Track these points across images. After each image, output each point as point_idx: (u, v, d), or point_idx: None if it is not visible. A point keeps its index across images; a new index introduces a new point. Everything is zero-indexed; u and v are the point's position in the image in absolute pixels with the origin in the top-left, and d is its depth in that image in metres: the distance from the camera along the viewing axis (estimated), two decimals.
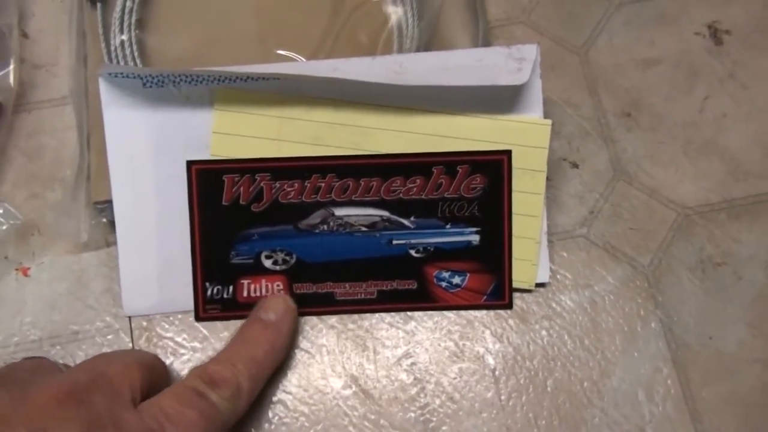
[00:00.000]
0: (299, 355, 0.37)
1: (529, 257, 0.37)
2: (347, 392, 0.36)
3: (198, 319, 0.36)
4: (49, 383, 0.28)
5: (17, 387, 0.28)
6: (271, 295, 0.36)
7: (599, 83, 0.41)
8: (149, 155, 0.36)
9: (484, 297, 0.37)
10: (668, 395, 0.36)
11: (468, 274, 0.37)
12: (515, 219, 0.37)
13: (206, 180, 0.36)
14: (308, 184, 0.36)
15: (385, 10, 0.41)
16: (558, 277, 0.38)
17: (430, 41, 0.41)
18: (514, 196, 0.37)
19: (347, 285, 0.37)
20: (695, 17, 0.43)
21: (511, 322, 0.37)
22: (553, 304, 0.38)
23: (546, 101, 0.39)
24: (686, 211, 0.39)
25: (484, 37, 0.41)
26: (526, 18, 0.43)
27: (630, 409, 0.36)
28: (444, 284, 0.37)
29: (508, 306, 0.37)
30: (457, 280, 0.37)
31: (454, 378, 0.37)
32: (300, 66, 0.37)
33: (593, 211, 0.39)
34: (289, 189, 0.36)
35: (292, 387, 0.36)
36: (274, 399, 0.36)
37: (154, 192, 0.36)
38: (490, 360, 0.37)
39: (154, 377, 0.32)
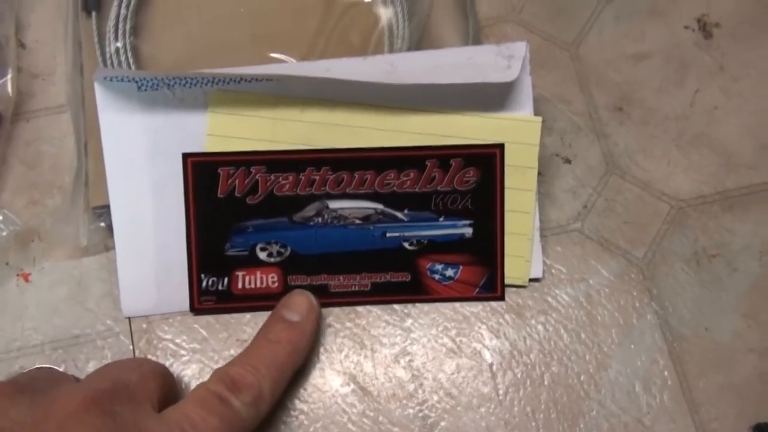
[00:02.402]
0: None
1: (522, 253, 0.37)
2: (346, 390, 0.37)
3: (193, 310, 0.37)
4: (73, 391, 0.29)
5: (41, 395, 0.29)
6: (296, 293, 0.36)
7: (590, 79, 0.42)
8: (145, 158, 0.36)
9: (477, 289, 0.37)
10: (665, 386, 0.37)
11: (461, 267, 0.37)
12: (507, 215, 0.37)
13: (201, 172, 0.36)
14: (303, 177, 0.36)
15: (376, 11, 0.41)
16: (553, 271, 0.38)
17: (420, 41, 0.41)
18: (506, 192, 0.37)
19: (341, 277, 0.37)
20: (684, 11, 0.43)
21: (507, 317, 0.38)
22: (549, 299, 0.38)
23: (537, 98, 0.40)
24: (679, 203, 0.39)
25: (474, 36, 0.41)
26: (516, 16, 0.43)
27: (627, 401, 0.36)
28: (437, 276, 0.37)
29: (501, 298, 0.37)
30: (450, 272, 0.37)
31: (452, 374, 0.37)
32: (293, 67, 0.38)
33: (587, 206, 0.40)
34: (284, 182, 0.36)
35: (290, 386, 0.36)
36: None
37: (151, 194, 0.37)
38: (487, 355, 0.37)
39: (167, 386, 0.33)
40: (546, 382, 0.37)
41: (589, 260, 0.39)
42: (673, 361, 0.37)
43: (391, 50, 0.40)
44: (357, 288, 0.37)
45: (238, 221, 0.37)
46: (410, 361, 0.37)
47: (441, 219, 0.37)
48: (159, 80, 0.36)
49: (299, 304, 0.35)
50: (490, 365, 0.37)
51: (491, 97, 0.37)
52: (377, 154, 0.37)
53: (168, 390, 0.32)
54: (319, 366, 0.37)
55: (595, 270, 0.38)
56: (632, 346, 0.37)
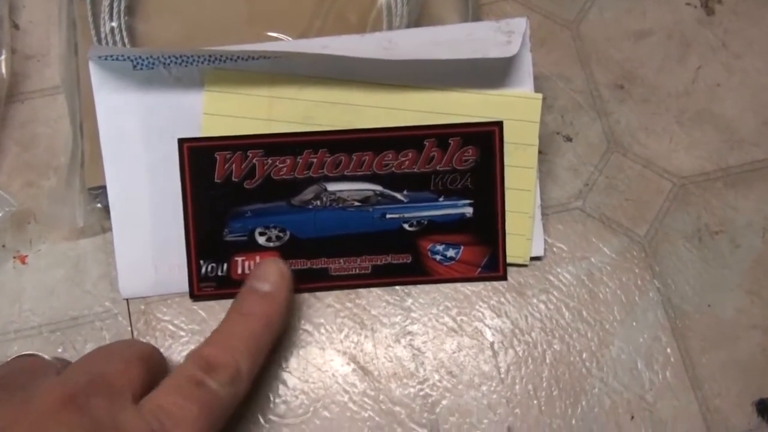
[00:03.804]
0: (298, 334, 0.37)
1: (523, 232, 0.37)
2: (346, 369, 0.36)
3: (192, 296, 0.36)
4: (49, 387, 0.28)
5: (19, 390, 0.28)
6: (265, 262, 0.35)
7: (591, 56, 0.41)
8: (141, 138, 0.36)
9: (479, 269, 0.37)
10: (668, 363, 0.36)
11: (462, 247, 0.37)
12: (508, 193, 0.37)
13: (198, 157, 0.36)
14: (300, 160, 0.36)
15: None
16: (554, 250, 0.38)
17: (419, 19, 0.41)
18: (507, 170, 0.37)
19: (341, 260, 0.37)
20: None
21: (508, 296, 0.37)
22: (550, 277, 0.38)
23: (538, 76, 0.39)
24: (682, 180, 0.39)
25: (473, 14, 0.41)
26: None
27: (629, 379, 0.36)
28: (438, 257, 0.37)
29: (503, 278, 0.37)
30: (451, 252, 0.37)
31: (453, 353, 0.37)
32: (290, 44, 0.38)
33: (588, 184, 0.39)
34: (281, 165, 0.36)
35: (291, 366, 0.36)
36: (274, 378, 0.36)
37: (147, 174, 0.36)
38: (488, 334, 0.37)
39: (154, 369, 0.32)
40: (548, 360, 0.36)
41: (591, 238, 0.38)
42: (676, 338, 0.37)
43: (390, 29, 0.40)
44: (358, 271, 0.37)
45: (236, 206, 0.36)
46: (411, 340, 0.37)
47: (441, 199, 0.37)
48: (154, 58, 0.35)
49: (270, 273, 0.34)
50: (492, 344, 0.37)
51: (491, 73, 0.37)
52: (375, 134, 0.36)
53: (156, 372, 0.31)
54: (319, 346, 0.37)
55: (596, 248, 0.38)
56: (634, 324, 0.37)
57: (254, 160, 0.36)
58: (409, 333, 0.37)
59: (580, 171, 0.39)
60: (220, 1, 0.40)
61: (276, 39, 0.39)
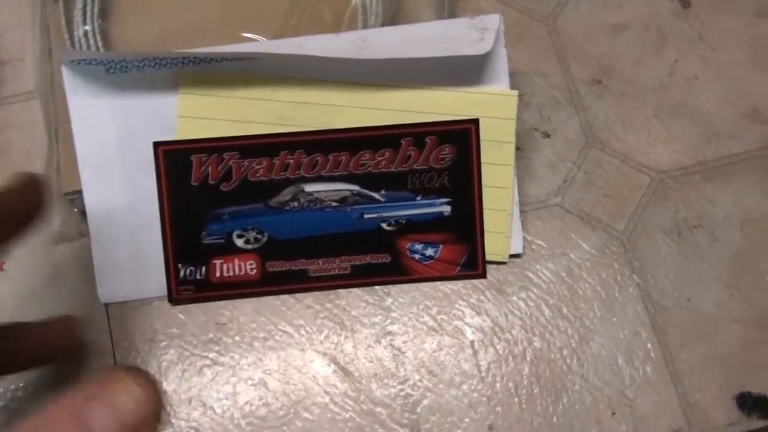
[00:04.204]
0: (278, 337, 0.37)
1: (502, 229, 0.37)
2: (327, 371, 0.36)
3: (171, 300, 0.36)
4: None
5: None
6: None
7: (568, 51, 0.41)
8: (116, 142, 0.36)
9: (458, 268, 0.37)
10: (648, 359, 0.36)
11: (441, 246, 0.37)
12: (485, 191, 0.37)
13: (174, 161, 0.36)
14: (277, 161, 0.36)
15: None
16: (533, 246, 0.38)
17: (394, 17, 0.40)
18: (484, 168, 0.37)
19: (320, 261, 0.36)
20: None
21: (488, 294, 0.37)
22: (530, 274, 0.38)
23: (515, 72, 0.39)
24: (660, 175, 0.39)
25: (449, 11, 0.41)
26: None
27: (610, 375, 0.36)
28: (417, 256, 0.37)
29: (482, 276, 0.37)
30: (430, 251, 0.37)
31: (433, 352, 0.37)
32: (264, 45, 0.37)
33: (566, 180, 0.39)
34: (257, 167, 0.36)
35: (271, 368, 0.36)
36: (255, 380, 0.36)
37: (123, 179, 0.36)
38: (469, 332, 0.37)
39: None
40: (528, 358, 0.36)
41: (570, 234, 0.38)
42: (656, 333, 0.37)
43: (365, 27, 0.40)
44: (337, 271, 0.37)
45: (213, 209, 0.36)
46: (391, 340, 0.37)
47: (418, 198, 0.37)
48: (128, 62, 0.35)
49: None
50: (472, 342, 0.37)
51: (466, 71, 0.36)
52: (351, 134, 0.36)
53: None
54: (299, 347, 0.36)
55: (575, 244, 0.38)
56: (614, 319, 0.37)
57: (230, 162, 0.36)
58: (390, 333, 0.37)
59: (558, 167, 0.39)
60: (194, 2, 0.40)
61: (251, 39, 0.39)
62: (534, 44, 0.41)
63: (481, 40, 0.35)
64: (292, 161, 0.36)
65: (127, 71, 0.36)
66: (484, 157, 0.37)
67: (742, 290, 0.37)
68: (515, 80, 0.40)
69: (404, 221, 0.37)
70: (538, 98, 0.40)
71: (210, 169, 0.36)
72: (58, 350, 0.34)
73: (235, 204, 0.36)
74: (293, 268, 0.37)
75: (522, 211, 0.38)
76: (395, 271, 0.37)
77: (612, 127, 0.40)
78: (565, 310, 0.37)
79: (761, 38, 0.41)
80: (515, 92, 0.37)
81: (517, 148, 0.37)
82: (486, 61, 0.36)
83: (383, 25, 0.40)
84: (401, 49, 0.35)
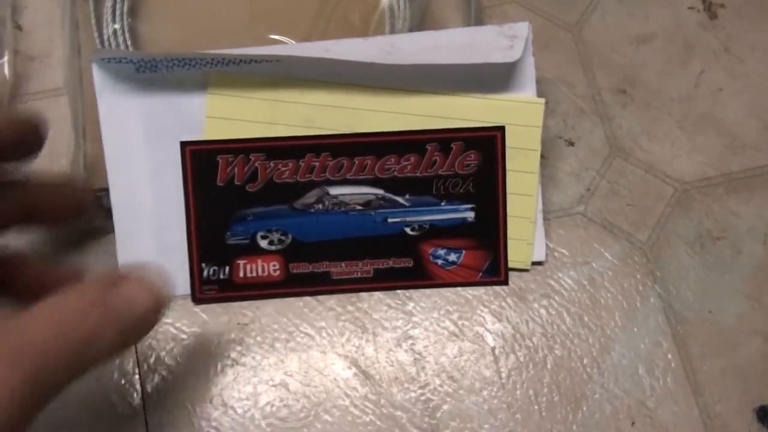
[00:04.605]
0: (299, 338, 0.37)
1: (525, 237, 0.37)
2: (347, 374, 0.36)
3: (194, 300, 0.36)
4: None
5: None
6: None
7: (593, 60, 0.41)
8: (144, 140, 0.36)
9: (480, 274, 0.37)
10: (668, 369, 0.36)
11: (464, 251, 0.37)
12: (510, 198, 0.37)
13: (200, 161, 0.36)
14: (302, 164, 0.36)
15: None
16: (556, 254, 0.38)
17: (421, 22, 0.41)
18: (509, 175, 0.37)
19: (343, 264, 0.37)
20: None
21: (509, 300, 0.37)
22: (552, 282, 0.38)
23: (540, 80, 0.39)
24: (684, 186, 0.39)
25: (476, 17, 0.41)
26: None
27: (631, 384, 0.36)
28: (440, 261, 0.37)
29: (504, 282, 0.37)
30: (453, 257, 0.37)
31: (454, 357, 0.37)
32: (293, 48, 0.37)
33: (590, 189, 0.39)
34: (283, 168, 0.36)
35: (292, 369, 0.36)
36: (276, 381, 0.36)
37: (150, 177, 0.36)
38: (490, 339, 0.37)
39: None
40: (548, 366, 0.37)
41: (593, 243, 0.38)
42: (677, 344, 0.37)
43: (393, 31, 0.40)
44: (360, 274, 0.37)
45: (238, 209, 0.36)
46: (412, 344, 0.37)
47: (443, 203, 0.37)
48: (158, 61, 0.35)
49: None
50: (493, 348, 0.37)
51: (493, 78, 0.36)
52: (377, 138, 0.36)
53: None
54: (320, 350, 0.37)
55: (598, 253, 0.38)
56: (635, 329, 0.37)
57: (256, 164, 0.36)
58: (411, 337, 0.37)
59: (582, 176, 0.39)
60: (222, 3, 0.40)
61: (278, 42, 0.39)
62: (560, 52, 0.41)
63: (510, 48, 0.35)
64: (317, 164, 0.36)
65: (156, 71, 0.36)
66: (509, 165, 0.37)
67: (763, 303, 0.37)
68: (540, 88, 0.40)
69: (428, 226, 0.37)
70: (563, 106, 0.41)
71: (236, 169, 0.36)
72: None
73: (260, 205, 0.36)
74: (316, 270, 0.37)
75: (545, 219, 0.38)
76: (418, 275, 0.37)
77: (636, 137, 0.40)
78: (586, 318, 0.37)
79: None
80: (542, 100, 0.37)
81: (542, 156, 0.37)
82: (513, 69, 0.36)
83: (411, 29, 0.40)
84: (429, 55, 0.35)
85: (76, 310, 0.25)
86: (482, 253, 0.37)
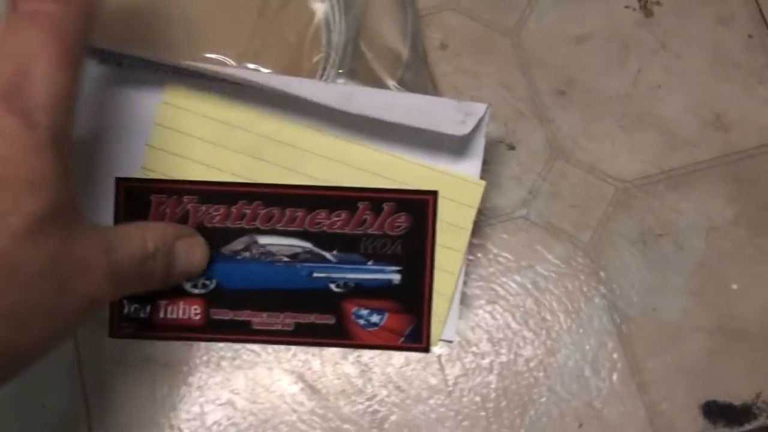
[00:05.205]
0: (245, 356, 0.37)
1: (438, 313, 0.36)
2: (294, 389, 0.36)
3: (111, 334, 0.36)
4: None
5: None
6: None
7: (532, 63, 0.41)
8: (91, 133, 0.36)
9: (402, 338, 0.36)
10: (614, 369, 0.36)
11: (387, 313, 0.36)
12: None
13: (133, 198, 0.36)
14: (234, 210, 0.36)
15: (311, 6, 0.41)
16: (500, 259, 0.38)
17: (358, 34, 0.41)
18: (435, 249, 0.36)
19: (265, 315, 0.36)
20: None
21: None
22: (497, 287, 0.38)
23: (480, 85, 0.39)
24: (624, 184, 0.39)
25: (413, 28, 0.41)
26: (456, 4, 0.43)
27: (577, 386, 0.36)
28: (362, 322, 0.36)
29: (426, 350, 0.36)
30: (375, 318, 0.36)
31: (401, 367, 0.37)
32: (254, 74, 0.37)
33: (532, 192, 0.39)
34: (215, 213, 0.36)
35: (239, 387, 0.36)
36: (222, 400, 0.36)
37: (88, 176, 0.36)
38: (436, 347, 0.37)
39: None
40: (495, 371, 0.37)
41: (536, 246, 0.38)
42: (622, 344, 0.37)
43: (329, 45, 0.40)
44: (280, 327, 0.36)
45: None
46: (359, 356, 0.37)
47: (370, 263, 0.36)
48: (122, 57, 0.35)
49: None
50: (439, 357, 0.37)
51: (440, 148, 0.36)
52: (309, 192, 0.36)
53: None
54: (267, 366, 0.37)
55: (541, 256, 0.38)
56: (581, 331, 0.37)
57: (188, 206, 0.36)
58: (356, 349, 0.37)
59: (523, 179, 0.40)
60: (155, 20, 0.40)
61: (214, 60, 0.39)
62: (499, 57, 0.42)
63: (462, 122, 0.34)
64: (249, 212, 0.36)
65: (120, 66, 0.36)
66: (439, 238, 0.36)
67: (706, 299, 0.37)
68: (480, 93, 0.40)
69: (353, 284, 0.36)
70: (503, 111, 0.41)
71: (168, 210, 0.36)
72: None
73: None
74: (237, 318, 0.36)
75: (488, 224, 0.38)
76: (338, 334, 0.36)
77: (576, 138, 0.40)
78: (531, 322, 0.37)
79: (722, 45, 0.41)
80: (483, 182, 0.36)
81: (484, 162, 0.37)
82: (462, 145, 0.36)
83: (347, 42, 0.40)
84: (383, 112, 0.35)
85: None
86: (405, 318, 0.36)
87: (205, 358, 0.37)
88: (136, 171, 0.37)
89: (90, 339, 0.37)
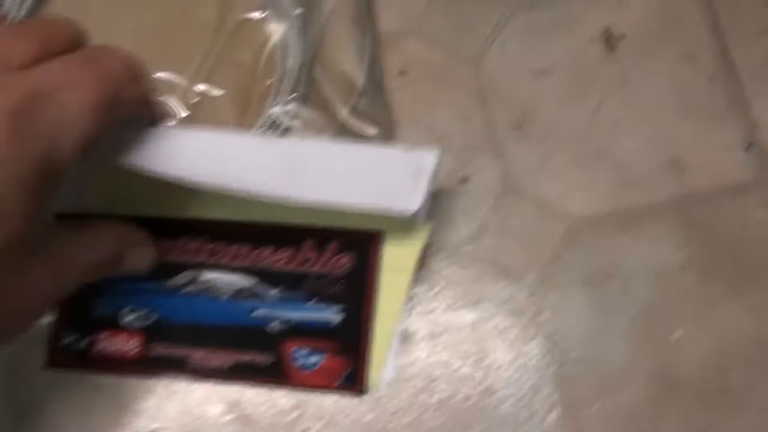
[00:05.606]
0: (179, 383, 0.37)
1: (376, 356, 0.36)
2: (228, 417, 0.36)
3: (48, 364, 0.36)
4: None
5: None
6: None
7: (491, 94, 0.41)
8: None
9: (339, 381, 0.35)
10: (551, 413, 0.36)
11: (325, 355, 0.36)
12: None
13: None
14: (178, 244, 0.36)
15: (267, 28, 0.40)
16: (443, 295, 0.38)
17: (314, 58, 0.40)
18: (378, 291, 0.36)
19: (203, 351, 0.36)
20: (590, 23, 0.42)
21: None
22: (439, 323, 0.37)
23: (436, 115, 0.39)
24: (575, 223, 0.39)
25: (371, 54, 0.41)
26: (419, 29, 0.42)
27: (513, 428, 0.36)
28: (300, 362, 0.36)
29: (361, 393, 0.36)
30: (313, 359, 0.36)
31: (335, 401, 0.36)
32: (188, 166, 0.33)
33: (481, 227, 0.39)
34: (158, 247, 0.35)
35: (172, 414, 0.36)
36: (154, 428, 0.36)
37: None
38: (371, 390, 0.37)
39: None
40: (432, 409, 0.36)
41: (481, 283, 0.38)
42: (560, 387, 0.36)
43: (284, 67, 0.40)
44: (218, 364, 0.36)
45: (107, 283, 0.35)
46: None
47: (312, 302, 0.36)
48: None
49: None
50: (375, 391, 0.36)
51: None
52: (254, 229, 0.36)
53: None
54: (200, 394, 0.36)
55: (486, 293, 0.38)
56: (519, 373, 0.36)
57: None
58: None
59: (474, 213, 0.39)
60: (112, 39, 0.40)
61: (165, 79, 0.39)
62: (458, 87, 0.41)
63: (412, 188, 0.33)
64: (193, 246, 0.36)
65: None
66: (381, 280, 0.36)
67: (650, 344, 0.37)
68: (436, 123, 0.40)
69: (293, 323, 0.36)
70: (458, 142, 0.40)
71: None
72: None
73: (129, 281, 0.36)
74: (174, 354, 0.36)
75: (433, 257, 0.38)
76: (276, 374, 0.36)
77: (530, 174, 0.39)
78: (471, 360, 0.37)
79: (684, 84, 0.40)
80: (428, 226, 0.36)
81: (434, 194, 0.37)
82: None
83: (302, 65, 0.40)
84: (330, 186, 0.33)
85: None
86: (343, 360, 0.35)
87: (138, 382, 0.36)
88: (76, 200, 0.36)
89: (24, 361, 0.37)
